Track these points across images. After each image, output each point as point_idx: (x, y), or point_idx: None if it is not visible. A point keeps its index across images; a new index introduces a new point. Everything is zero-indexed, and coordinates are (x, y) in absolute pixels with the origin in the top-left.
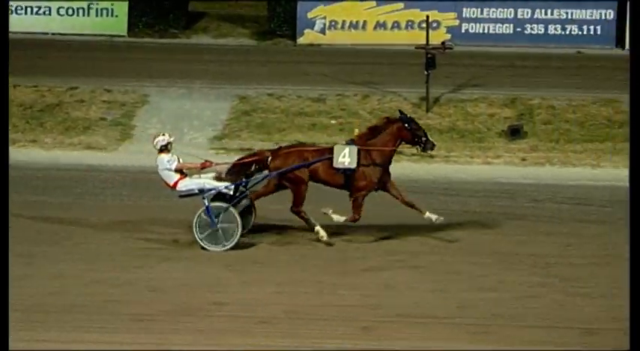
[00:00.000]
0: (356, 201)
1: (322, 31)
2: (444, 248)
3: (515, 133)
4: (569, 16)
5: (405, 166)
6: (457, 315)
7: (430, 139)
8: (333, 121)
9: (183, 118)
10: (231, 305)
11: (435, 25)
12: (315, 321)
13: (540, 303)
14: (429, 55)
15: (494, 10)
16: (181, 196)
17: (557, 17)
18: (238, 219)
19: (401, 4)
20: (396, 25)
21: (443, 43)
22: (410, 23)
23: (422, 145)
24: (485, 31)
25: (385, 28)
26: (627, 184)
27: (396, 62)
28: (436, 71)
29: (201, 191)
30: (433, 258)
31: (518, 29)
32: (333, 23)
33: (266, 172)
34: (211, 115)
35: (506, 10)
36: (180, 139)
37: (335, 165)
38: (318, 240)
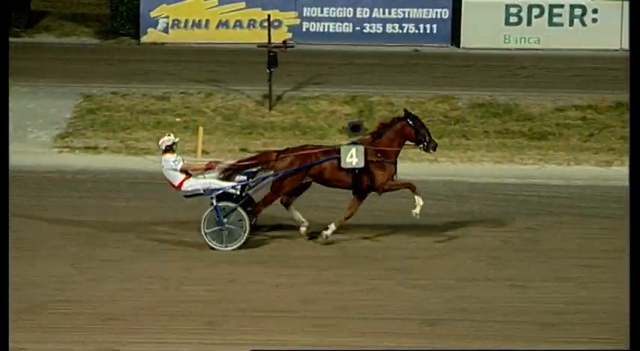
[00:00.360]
0: (388, 190)
1: (165, 30)
2: (286, 243)
3: (355, 129)
4: (406, 16)
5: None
6: (301, 308)
7: (433, 139)
8: (177, 119)
9: (27, 116)
10: (76, 302)
11: (276, 24)
12: (161, 317)
13: (381, 295)
14: (271, 54)
15: (334, 9)
16: (186, 197)
17: (395, 16)
18: (247, 220)
19: (242, 4)
20: (239, 23)
21: (284, 41)
22: (252, 22)
23: (425, 144)
24: (326, 29)
25: (228, 27)
26: (539, 181)
27: (239, 61)
28: (278, 69)
29: (207, 191)
30: (276, 253)
31: (358, 28)
32: (176, 22)
33: (267, 172)
34: (56, 113)
35: (345, 9)
36: (25, 137)
37: (343, 165)
38: (167, 235)
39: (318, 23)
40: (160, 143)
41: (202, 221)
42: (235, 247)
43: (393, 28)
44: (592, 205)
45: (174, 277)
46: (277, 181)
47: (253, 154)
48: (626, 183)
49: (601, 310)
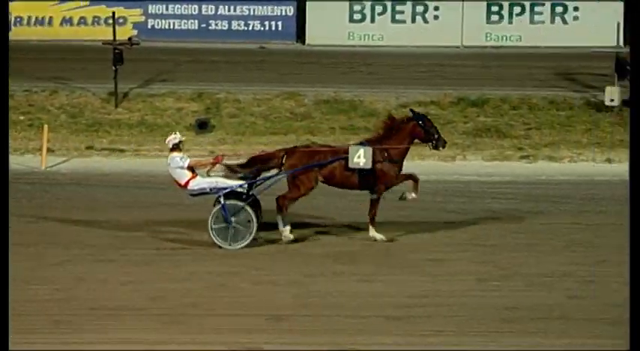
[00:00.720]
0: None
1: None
2: (134, 240)
3: (202, 126)
4: (252, 13)
5: (96, 161)
6: (149, 306)
7: (442, 136)
8: (21, 117)
9: None
10: None
11: (121, 21)
12: (10, 316)
13: (229, 291)
14: (117, 51)
15: (179, 6)
16: (193, 195)
17: (240, 14)
18: (254, 222)
19: (87, 2)
20: (83, 20)
21: (130, 38)
22: (96, 19)
23: (434, 142)
24: (171, 27)
25: (72, 24)
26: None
27: (84, 58)
28: (124, 67)
29: (213, 190)
30: (124, 251)
31: (203, 25)
32: (18, 19)
33: (274, 171)
34: None
35: (190, 6)
36: None
37: (350, 165)
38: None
39: (163, 20)
40: (166, 142)
41: (210, 217)
42: (238, 246)
43: (239, 25)
44: (439, 199)
45: (19, 277)
46: (293, 178)
47: (259, 153)
48: (470, 177)
49: (446, 303)
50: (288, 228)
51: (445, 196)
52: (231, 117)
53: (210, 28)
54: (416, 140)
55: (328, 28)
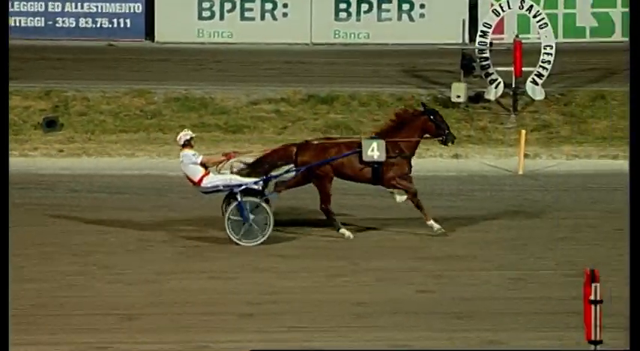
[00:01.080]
0: (393, 186)
1: None
2: None
3: (50, 124)
4: (100, 10)
5: None
6: None
7: (451, 132)
8: None
9: None
10: None
11: None
12: None
13: (80, 291)
14: None
15: (24, 3)
16: (205, 193)
17: (88, 11)
18: (271, 224)
19: None
20: None
21: None
22: None
23: (444, 137)
24: (17, 24)
25: None
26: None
27: None
28: None
29: (227, 187)
30: None
31: (50, 22)
32: None
33: (287, 166)
34: None
35: (36, 3)
36: None
37: (364, 159)
38: None
39: (9, 17)
40: (177, 138)
41: (226, 219)
42: (247, 245)
43: (87, 22)
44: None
45: None
46: (309, 175)
47: (271, 149)
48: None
49: (297, 299)
50: (342, 230)
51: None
52: (80, 115)
53: (57, 25)
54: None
55: (177, 25)
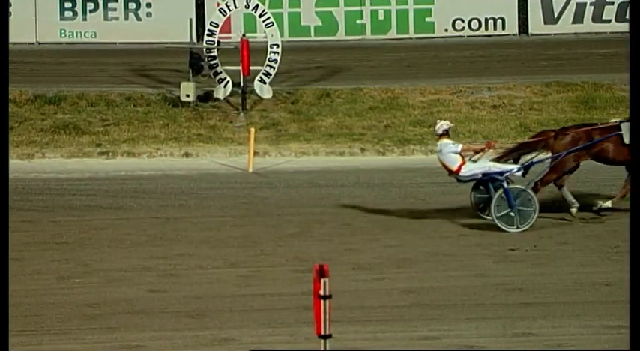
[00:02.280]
0: None
1: None
2: None
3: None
4: None
5: None
6: None
7: None
8: None
9: None
10: None
11: None
12: None
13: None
14: None
15: None
16: (461, 181)
17: None
18: (535, 200)
19: None
20: None
21: None
22: None
23: None
24: None
25: None
26: None
27: None
28: None
29: (486, 176)
30: None
31: None
32: None
33: (542, 155)
34: None
35: None
36: None
37: (626, 141)
38: None
39: None
40: (436, 128)
41: (492, 207)
42: (527, 227)
43: None
44: (17, 198)
45: None
46: (558, 160)
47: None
48: (50, 175)
49: (25, 302)
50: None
51: (23, 194)
52: None
53: None
54: None
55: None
